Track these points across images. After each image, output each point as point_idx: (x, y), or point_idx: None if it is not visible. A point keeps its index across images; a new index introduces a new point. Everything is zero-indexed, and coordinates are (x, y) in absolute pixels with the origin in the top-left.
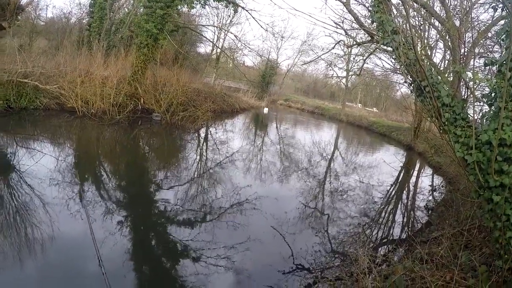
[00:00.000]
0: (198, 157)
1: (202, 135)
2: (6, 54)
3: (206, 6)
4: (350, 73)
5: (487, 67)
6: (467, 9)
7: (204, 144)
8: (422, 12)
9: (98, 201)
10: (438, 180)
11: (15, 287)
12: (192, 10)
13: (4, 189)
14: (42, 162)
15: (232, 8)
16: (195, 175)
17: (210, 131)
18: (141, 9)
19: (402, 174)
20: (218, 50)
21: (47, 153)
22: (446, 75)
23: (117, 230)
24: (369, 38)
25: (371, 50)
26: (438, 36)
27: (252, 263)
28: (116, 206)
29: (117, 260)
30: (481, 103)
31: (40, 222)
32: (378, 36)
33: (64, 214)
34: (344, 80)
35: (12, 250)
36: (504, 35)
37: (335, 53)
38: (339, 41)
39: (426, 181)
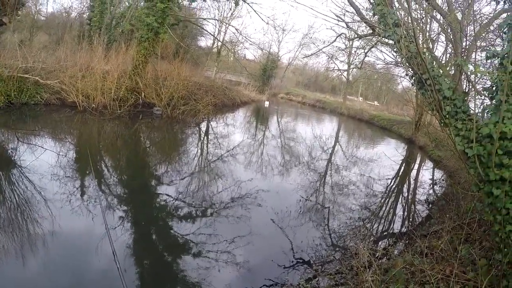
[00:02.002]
0: (199, 151)
1: (203, 128)
2: (7, 49)
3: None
4: (352, 66)
5: (489, 60)
6: (469, 2)
7: (205, 138)
8: (424, 5)
9: (99, 196)
10: (438, 174)
11: (20, 283)
12: (193, 4)
13: (5, 185)
14: (43, 158)
15: (233, 1)
16: (196, 169)
17: (211, 125)
18: (142, 3)
19: (402, 168)
20: (219, 44)
21: (48, 148)
22: (448, 68)
23: (118, 225)
24: (371, 31)
25: (373, 43)
26: (439, 29)
27: (253, 257)
28: (117, 200)
29: (118, 255)
30: (482, 97)
31: (42, 217)
32: (380, 29)
33: (66, 209)
34: (345, 74)
35: (14, 245)
36: (506, 28)
37: (337, 46)
38: (341, 34)
39: (426, 174)
